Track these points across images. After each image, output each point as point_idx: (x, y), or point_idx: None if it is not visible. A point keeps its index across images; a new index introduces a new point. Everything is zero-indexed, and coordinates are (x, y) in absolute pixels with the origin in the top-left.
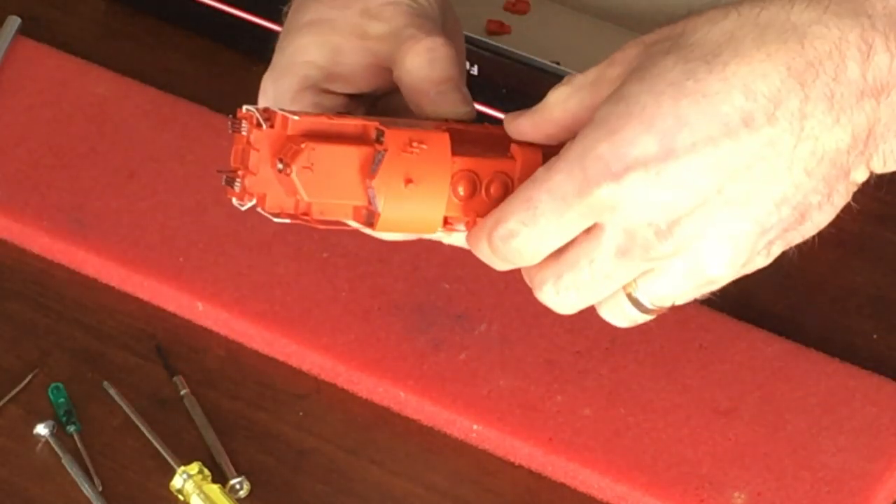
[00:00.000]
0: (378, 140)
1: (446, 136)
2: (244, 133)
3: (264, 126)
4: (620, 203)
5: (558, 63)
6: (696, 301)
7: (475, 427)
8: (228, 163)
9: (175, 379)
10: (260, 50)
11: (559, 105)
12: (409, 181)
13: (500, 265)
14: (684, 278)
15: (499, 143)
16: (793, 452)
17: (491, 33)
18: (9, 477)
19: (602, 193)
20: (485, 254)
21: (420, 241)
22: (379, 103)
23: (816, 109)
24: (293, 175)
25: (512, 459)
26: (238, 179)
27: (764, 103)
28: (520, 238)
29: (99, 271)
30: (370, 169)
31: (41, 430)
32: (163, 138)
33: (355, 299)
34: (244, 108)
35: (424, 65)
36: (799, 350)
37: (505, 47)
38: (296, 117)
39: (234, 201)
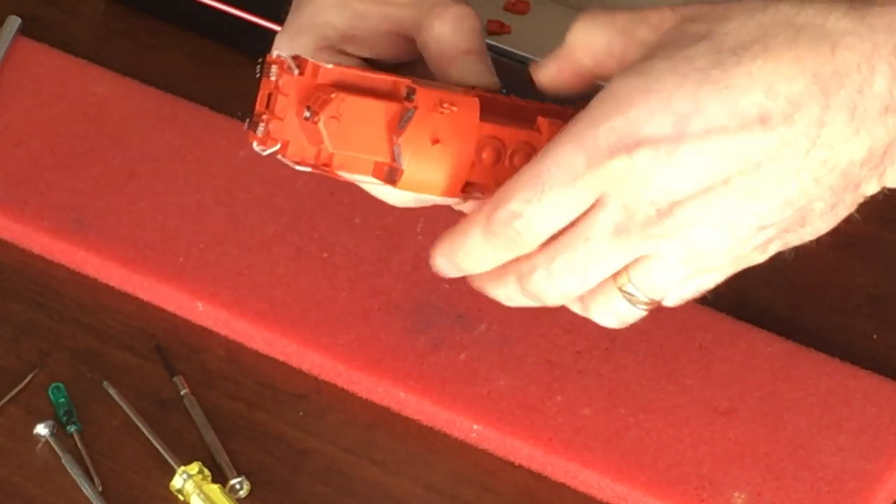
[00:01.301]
0: (408, 97)
1: (476, 100)
2: (272, 78)
3: (296, 72)
4: (628, 178)
5: None
6: (695, 301)
7: (475, 427)
8: (228, 162)
9: (175, 379)
10: (260, 50)
11: (582, 45)
12: (436, 141)
13: (490, 257)
14: (679, 265)
15: (525, 116)
16: (793, 452)
17: (491, 33)
18: (9, 477)
19: (613, 165)
20: (473, 247)
21: (420, 241)
22: (395, 71)
23: (836, 119)
24: (320, 123)
25: (512, 459)
26: (262, 123)
27: (783, 104)
28: (523, 218)
29: (99, 271)
30: (397, 125)
31: (41, 430)
32: (163, 138)
33: (355, 299)
34: (274, 53)
35: (452, 32)
36: (799, 350)
37: (505, 47)
38: (329, 65)
39: (255, 145)
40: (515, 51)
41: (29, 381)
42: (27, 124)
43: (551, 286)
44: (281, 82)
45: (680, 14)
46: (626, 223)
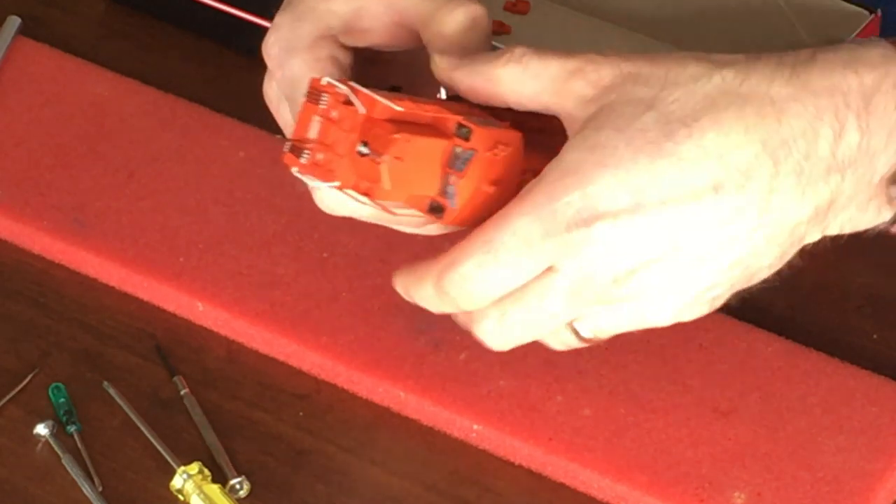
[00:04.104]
0: (462, 136)
1: (520, 135)
2: (322, 106)
3: (361, 107)
4: (585, 249)
5: None
6: None
7: (475, 427)
8: (228, 162)
9: (175, 379)
10: (260, 50)
11: (509, 87)
12: (491, 183)
13: (440, 308)
14: (626, 319)
15: (543, 140)
16: (793, 452)
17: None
18: (9, 477)
19: (571, 238)
20: (425, 296)
21: (421, 241)
22: (383, 57)
23: (785, 185)
24: (383, 165)
25: (512, 459)
26: (307, 152)
27: (736, 175)
28: (475, 282)
29: (99, 271)
30: (449, 162)
31: (41, 430)
32: (163, 138)
33: (355, 299)
34: (324, 79)
35: (463, 31)
36: (799, 350)
37: (505, 47)
38: (385, 101)
39: (295, 170)
40: None
41: (29, 381)
42: (27, 124)
43: (500, 336)
44: (335, 114)
45: (619, 71)
46: (581, 288)
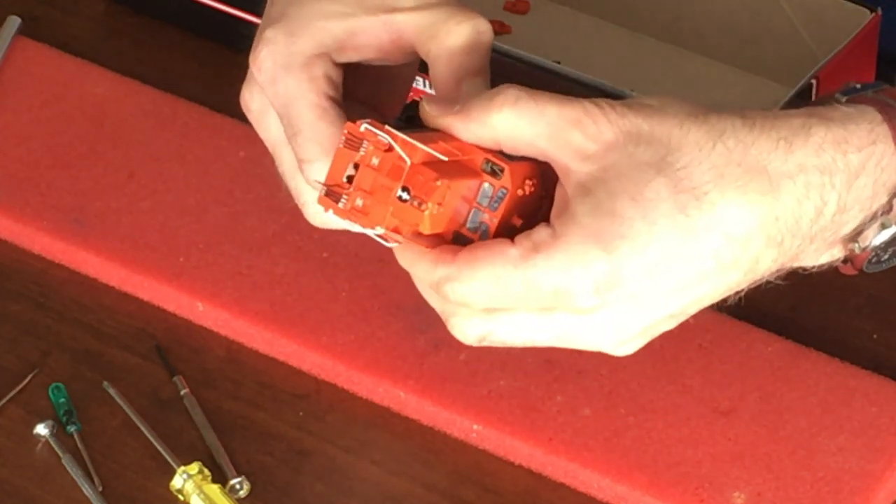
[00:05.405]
0: (489, 170)
1: (539, 167)
2: (361, 153)
3: (407, 159)
4: (593, 311)
5: (558, 63)
6: None
7: (475, 427)
8: (228, 162)
9: (175, 379)
10: None
11: (505, 132)
12: (519, 217)
13: (429, 299)
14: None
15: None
16: (793, 452)
17: None
18: (9, 477)
19: (583, 302)
20: (420, 283)
21: None
22: (351, 67)
23: (767, 255)
24: (427, 212)
25: (512, 459)
26: (345, 196)
27: (734, 247)
28: (471, 298)
29: (99, 271)
30: (478, 197)
31: (41, 430)
32: (163, 138)
33: (355, 299)
34: (362, 126)
35: (467, 48)
36: (799, 350)
37: (505, 47)
38: (429, 150)
39: (331, 213)
40: (515, 51)
41: (29, 381)
42: (27, 124)
43: (473, 339)
44: (375, 160)
45: (619, 130)
46: (570, 337)
